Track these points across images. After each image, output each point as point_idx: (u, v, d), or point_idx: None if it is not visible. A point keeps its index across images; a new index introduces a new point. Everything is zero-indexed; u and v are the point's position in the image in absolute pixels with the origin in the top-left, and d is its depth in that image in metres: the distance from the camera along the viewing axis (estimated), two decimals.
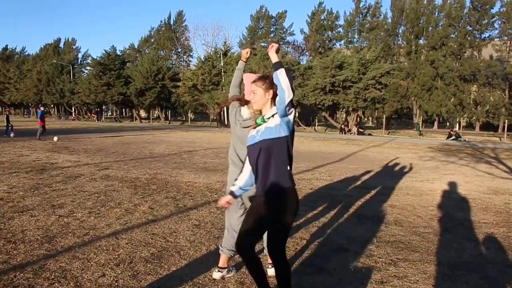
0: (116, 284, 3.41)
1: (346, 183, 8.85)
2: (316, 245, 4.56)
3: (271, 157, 2.78)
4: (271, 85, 2.88)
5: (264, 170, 2.80)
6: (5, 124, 21.72)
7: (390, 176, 10.08)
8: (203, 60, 47.43)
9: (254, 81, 2.95)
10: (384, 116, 43.69)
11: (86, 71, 73.23)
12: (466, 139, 30.65)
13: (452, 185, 8.92)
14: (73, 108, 67.08)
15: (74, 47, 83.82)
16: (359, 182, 8.98)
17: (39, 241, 4.43)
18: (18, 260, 3.87)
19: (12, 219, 5.26)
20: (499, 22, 49.33)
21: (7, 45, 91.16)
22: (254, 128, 2.94)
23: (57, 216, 5.43)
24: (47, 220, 5.25)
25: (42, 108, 20.87)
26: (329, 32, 62.20)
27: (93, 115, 63.59)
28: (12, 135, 20.80)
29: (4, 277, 3.46)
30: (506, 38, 49.21)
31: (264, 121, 2.89)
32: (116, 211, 5.83)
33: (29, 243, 4.36)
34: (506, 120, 40.03)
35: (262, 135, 2.81)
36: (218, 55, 47.28)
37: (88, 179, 8.47)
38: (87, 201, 6.43)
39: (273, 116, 2.86)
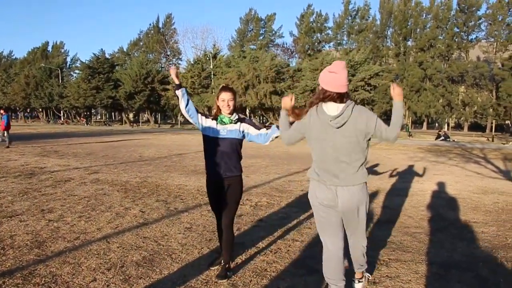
0: None
1: None
2: (308, 246, 4.55)
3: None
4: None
5: (229, 159, 3.64)
6: None
7: (381, 177, 10.12)
8: (192, 63, 47.42)
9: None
10: None
11: (75, 74, 72.77)
12: (455, 140, 30.90)
13: (442, 185, 8.98)
14: (62, 112, 66.60)
15: (62, 50, 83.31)
16: None
17: (28, 246, 4.38)
18: (7, 266, 3.82)
19: (1, 224, 5.20)
20: (486, 24, 49.90)
21: None
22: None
23: (47, 221, 5.37)
24: (36, 225, 5.19)
25: (3, 112, 17.92)
26: (318, 34, 62.43)
27: (82, 119, 63.20)
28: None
29: None
30: (492, 39, 49.77)
31: (231, 122, 3.67)
32: (107, 215, 5.78)
33: (18, 248, 4.31)
34: (494, 121, 40.45)
35: (229, 133, 3.64)
36: (207, 58, 47.27)
37: (78, 183, 8.40)
38: (77, 205, 6.37)
39: (235, 120, 3.69)
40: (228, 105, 3.62)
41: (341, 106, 2.91)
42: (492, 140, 29.32)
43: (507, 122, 38.26)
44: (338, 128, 2.90)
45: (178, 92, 3.69)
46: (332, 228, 3.08)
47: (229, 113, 3.66)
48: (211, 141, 3.66)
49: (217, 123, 3.66)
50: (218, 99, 3.66)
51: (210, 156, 3.70)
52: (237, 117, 3.73)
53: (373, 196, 7.60)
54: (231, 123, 3.67)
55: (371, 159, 14.53)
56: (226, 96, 3.61)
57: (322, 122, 2.94)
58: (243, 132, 3.73)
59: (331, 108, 2.92)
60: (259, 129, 3.76)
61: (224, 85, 3.83)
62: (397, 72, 52.39)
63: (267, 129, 3.78)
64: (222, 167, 3.63)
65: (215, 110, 3.75)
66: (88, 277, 3.60)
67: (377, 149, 19.66)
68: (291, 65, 45.31)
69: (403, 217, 5.99)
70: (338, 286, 3.08)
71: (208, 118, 3.73)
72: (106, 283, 3.47)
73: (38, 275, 3.62)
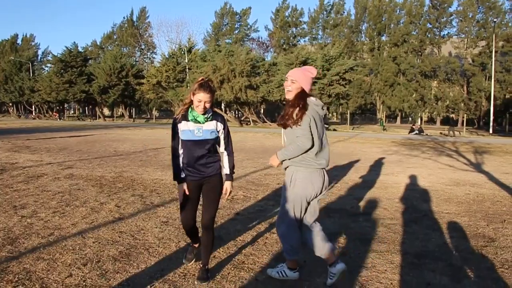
0: (84, 284, 3.33)
1: None
2: None
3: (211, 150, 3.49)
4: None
5: (206, 159, 3.45)
6: None
7: (356, 170, 10.25)
8: (167, 57, 46.97)
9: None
10: (349, 111, 44.38)
11: (46, 68, 71.22)
12: (428, 134, 31.52)
13: (416, 177, 9.15)
14: (33, 106, 65.12)
15: (32, 43, 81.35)
16: None
17: (0, 243, 4.28)
18: None
19: None
20: (457, 20, 51.02)
21: None
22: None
23: (20, 217, 5.26)
24: (8, 221, 5.08)
25: None
26: (294, 29, 62.73)
27: (54, 113, 61.89)
28: None
29: None
30: (463, 35, 50.92)
31: (206, 120, 3.40)
32: (82, 210, 5.70)
33: None
34: (465, 115, 41.38)
35: (205, 134, 3.40)
36: (182, 52, 46.88)
37: (52, 178, 8.24)
38: (51, 200, 6.26)
39: (209, 118, 3.42)
40: (205, 107, 3.30)
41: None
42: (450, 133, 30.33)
43: (452, 115, 39.29)
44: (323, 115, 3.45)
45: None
46: (304, 209, 3.49)
47: (203, 113, 3.36)
48: (186, 143, 3.40)
49: (188, 120, 3.37)
50: (193, 96, 3.31)
51: (185, 157, 3.44)
52: (211, 113, 3.42)
53: (348, 188, 7.70)
54: (206, 121, 3.38)
55: (346, 152, 14.70)
56: (204, 97, 3.26)
57: (318, 114, 3.41)
58: (218, 132, 3.47)
59: (316, 100, 3.43)
60: (225, 147, 3.55)
61: (202, 80, 3.34)
62: (371, 66, 53.12)
63: (228, 152, 3.56)
64: (200, 168, 3.43)
65: (186, 101, 3.44)
66: (64, 272, 3.54)
67: (351, 143, 19.89)
68: (266, 59, 45.31)
69: (378, 209, 6.08)
70: (298, 251, 3.52)
71: (180, 122, 3.40)
72: (83, 279, 3.42)
73: (11, 272, 3.54)
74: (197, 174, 3.45)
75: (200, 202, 3.58)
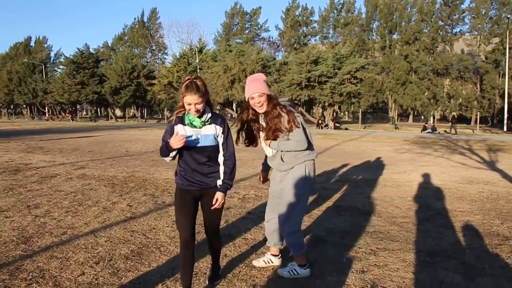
0: (96, 282, 3.36)
1: (324, 176, 8.90)
2: None
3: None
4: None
5: (206, 168, 3.08)
6: None
7: (368, 168, 10.19)
8: (178, 57, 47.17)
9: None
10: (360, 110, 44.17)
11: (59, 70, 72.02)
12: (440, 132, 31.26)
13: (429, 176, 9.07)
14: (46, 108, 65.82)
15: (45, 45, 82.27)
16: (337, 175, 9.05)
17: (14, 242, 4.33)
18: None
19: None
20: (469, 17, 50.52)
21: None
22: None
23: (33, 216, 5.31)
24: (22, 220, 5.13)
25: None
26: (304, 28, 62.63)
27: (67, 114, 62.48)
28: None
29: None
30: (476, 33, 50.39)
31: (205, 124, 3.01)
32: (94, 209, 5.74)
33: (4, 244, 4.25)
34: (478, 113, 40.91)
35: (204, 140, 3.01)
36: (193, 52, 47.05)
37: (64, 178, 8.31)
38: (64, 200, 6.31)
39: (208, 121, 3.03)
40: (197, 110, 2.89)
41: None
42: (454, 132, 30.31)
43: (453, 113, 38.63)
44: None
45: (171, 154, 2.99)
46: None
47: (199, 116, 2.96)
48: (182, 150, 3.01)
49: (185, 124, 2.98)
50: (183, 99, 2.91)
51: (183, 165, 3.08)
52: (210, 115, 3.01)
53: (359, 187, 7.65)
54: (204, 125, 2.99)
55: (357, 151, 14.63)
56: (192, 99, 2.84)
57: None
58: (217, 136, 3.05)
59: (283, 99, 3.65)
60: (223, 152, 3.09)
61: (187, 81, 2.90)
62: (383, 65, 52.79)
63: (225, 157, 3.08)
64: (200, 178, 3.05)
65: (180, 103, 3.00)
66: (76, 271, 3.57)
67: (363, 142, 19.79)
68: (277, 58, 45.31)
69: (391, 208, 6.04)
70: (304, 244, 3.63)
71: (176, 125, 3.00)
72: (95, 277, 3.45)
73: (25, 270, 3.58)
74: (196, 184, 3.06)
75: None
